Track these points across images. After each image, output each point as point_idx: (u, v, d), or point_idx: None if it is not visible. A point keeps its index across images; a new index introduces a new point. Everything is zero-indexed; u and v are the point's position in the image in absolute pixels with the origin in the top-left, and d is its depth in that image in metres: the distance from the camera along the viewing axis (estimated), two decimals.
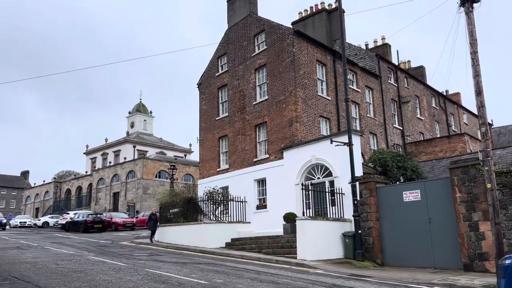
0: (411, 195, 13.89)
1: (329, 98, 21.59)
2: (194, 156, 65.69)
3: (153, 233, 21.41)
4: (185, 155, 65.23)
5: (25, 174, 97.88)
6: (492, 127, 43.17)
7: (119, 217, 35.34)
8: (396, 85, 28.15)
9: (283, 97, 20.25)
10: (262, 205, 20.51)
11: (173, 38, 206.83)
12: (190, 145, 68.83)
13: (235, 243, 17.94)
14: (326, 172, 17.52)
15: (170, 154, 61.05)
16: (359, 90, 24.02)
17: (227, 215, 20.11)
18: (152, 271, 10.67)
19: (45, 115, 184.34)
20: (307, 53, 20.86)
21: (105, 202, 49.38)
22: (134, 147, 58.96)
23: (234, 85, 23.53)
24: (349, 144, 15.15)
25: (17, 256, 13.80)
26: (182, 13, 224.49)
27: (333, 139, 15.62)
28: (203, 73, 26.35)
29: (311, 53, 21.16)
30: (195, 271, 10.97)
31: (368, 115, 24.44)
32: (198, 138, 25.64)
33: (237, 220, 19.80)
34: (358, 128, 22.45)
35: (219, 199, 20.29)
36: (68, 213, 40.82)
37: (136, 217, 37.22)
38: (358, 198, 14.86)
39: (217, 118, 24.41)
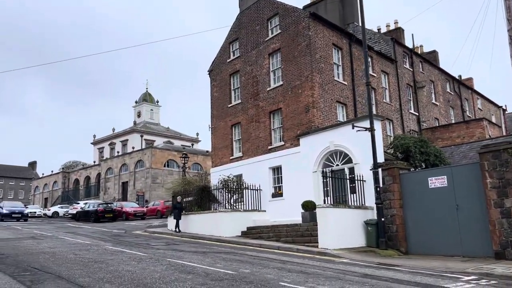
0: (437, 181, 13.38)
1: (346, 83, 20.99)
2: (202, 145, 65.46)
3: (177, 223, 19.93)
4: (192, 144, 64.96)
5: (32, 164, 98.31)
6: (506, 112, 42.36)
7: (130, 206, 35.13)
8: (412, 70, 27.44)
9: (299, 82, 19.67)
10: (277, 193, 20.11)
11: (177, 34, 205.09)
12: (197, 134, 68.59)
13: (251, 232, 17.58)
14: (346, 159, 17.03)
15: (177, 143, 60.78)
16: (375, 75, 23.36)
17: (242, 203, 19.72)
18: (174, 261, 10.32)
19: (51, 107, 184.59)
20: (323, 37, 20.21)
21: (114, 192, 49.31)
22: (142, 136, 58.69)
23: (247, 71, 22.96)
24: (371, 129, 14.61)
25: (33, 246, 13.51)
26: (183, 12, 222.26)
27: (354, 124, 15.08)
28: (214, 59, 25.76)
29: (327, 36, 20.50)
30: (218, 260, 10.62)
31: (384, 101, 23.83)
32: (210, 126, 25.17)
33: (252, 208, 19.40)
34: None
35: (234, 187, 19.87)
36: (78, 203, 40.80)
37: (146, 206, 37.08)
38: (381, 185, 14.38)
39: (229, 105, 23.90)
